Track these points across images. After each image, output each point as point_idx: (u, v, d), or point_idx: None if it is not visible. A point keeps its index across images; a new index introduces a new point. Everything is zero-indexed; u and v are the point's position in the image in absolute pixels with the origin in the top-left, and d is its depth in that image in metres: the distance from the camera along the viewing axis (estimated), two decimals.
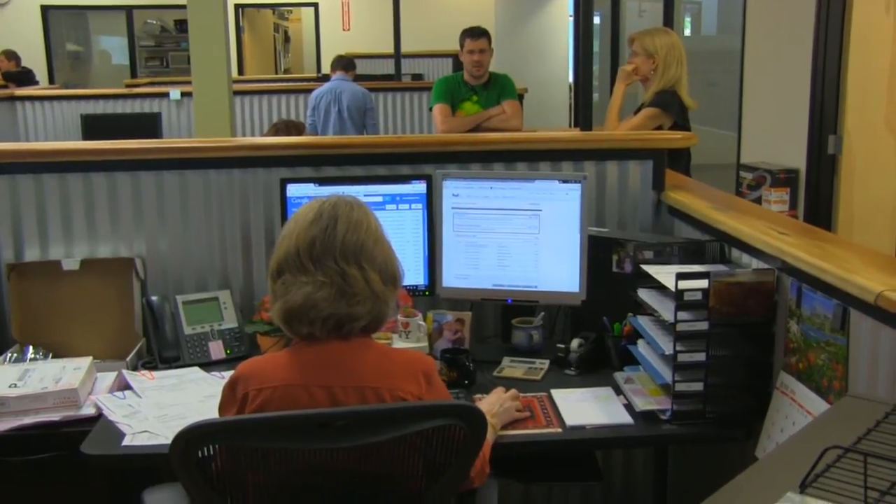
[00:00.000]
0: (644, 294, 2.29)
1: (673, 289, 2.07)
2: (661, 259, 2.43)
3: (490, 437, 1.97)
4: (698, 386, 2.11)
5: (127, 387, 2.35)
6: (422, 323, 2.53)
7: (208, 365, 2.55)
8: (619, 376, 2.39)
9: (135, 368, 2.52)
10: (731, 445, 2.25)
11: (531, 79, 8.54)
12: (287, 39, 16.52)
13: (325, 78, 7.80)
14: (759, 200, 4.18)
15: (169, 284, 2.75)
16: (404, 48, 9.37)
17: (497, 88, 4.99)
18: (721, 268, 2.29)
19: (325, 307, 1.70)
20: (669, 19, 6.45)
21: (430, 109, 5.14)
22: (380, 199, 2.67)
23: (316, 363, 1.73)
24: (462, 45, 4.99)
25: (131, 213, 2.73)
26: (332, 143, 3.37)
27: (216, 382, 2.37)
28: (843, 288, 1.80)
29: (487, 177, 2.68)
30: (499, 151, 2.86)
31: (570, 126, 8.98)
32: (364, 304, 1.73)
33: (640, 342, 2.34)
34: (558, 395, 2.31)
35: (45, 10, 12.69)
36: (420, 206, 2.70)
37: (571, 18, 9.64)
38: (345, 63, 7.20)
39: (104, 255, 2.72)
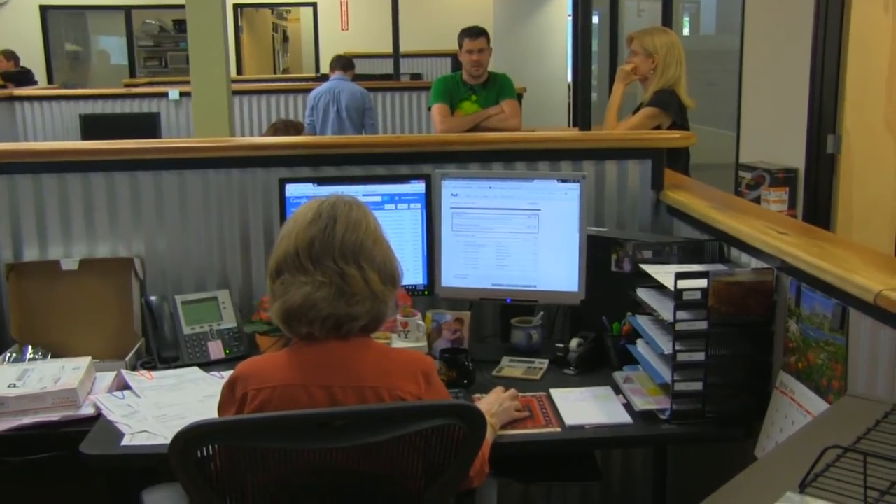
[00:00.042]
0: (643, 293, 2.29)
1: (672, 288, 2.07)
2: (660, 258, 2.43)
3: (489, 436, 1.97)
4: (697, 385, 2.11)
5: (126, 387, 2.35)
6: (421, 323, 2.53)
7: (207, 365, 2.55)
8: (618, 376, 2.39)
9: (134, 368, 2.52)
10: (730, 445, 2.25)
11: (530, 78, 8.54)
12: (286, 39, 16.52)
13: (324, 78, 7.79)
14: (757, 200, 4.18)
15: (168, 284, 2.75)
16: (403, 48, 9.37)
17: (496, 88, 4.99)
18: (720, 267, 2.29)
19: (325, 307, 1.70)
20: (668, 18, 6.45)
21: (429, 109, 5.14)
22: (379, 198, 2.67)
23: (315, 363, 1.73)
24: (461, 45, 4.98)
25: (130, 213, 2.72)
26: (330, 142, 3.37)
27: (215, 382, 2.37)
28: (842, 287, 1.80)
29: (486, 176, 2.68)
30: (498, 151, 2.86)
31: (568, 126, 8.97)
32: (363, 303, 1.73)
33: (640, 342, 2.34)
34: (557, 394, 2.31)
35: (43, 9, 12.68)
36: (419, 205, 2.70)
37: (570, 18, 9.65)
38: (343, 63, 7.19)
39: (103, 255, 2.72)
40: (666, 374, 2.15)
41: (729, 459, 2.33)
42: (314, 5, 13.50)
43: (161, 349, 2.58)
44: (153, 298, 2.66)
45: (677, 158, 3.43)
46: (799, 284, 1.99)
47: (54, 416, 2.18)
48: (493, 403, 2.14)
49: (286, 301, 1.72)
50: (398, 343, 2.49)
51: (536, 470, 2.50)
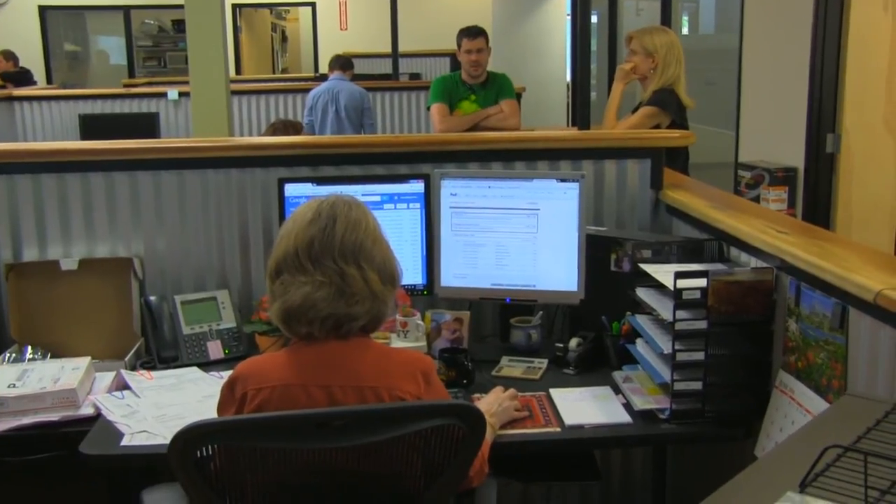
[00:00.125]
0: (642, 293, 2.29)
1: (671, 288, 2.07)
2: (660, 258, 2.43)
3: (489, 436, 1.97)
4: (697, 385, 2.10)
5: (125, 387, 2.35)
6: (420, 322, 2.53)
7: (207, 365, 2.55)
8: (617, 375, 2.39)
9: (133, 368, 2.52)
10: (730, 445, 2.25)
11: (529, 78, 8.54)
12: (284, 39, 16.51)
13: (323, 77, 7.79)
14: (757, 199, 4.18)
15: (167, 284, 2.75)
16: (402, 47, 9.36)
17: (495, 88, 4.99)
18: (720, 266, 2.28)
19: (324, 307, 1.70)
20: (667, 18, 6.44)
21: (428, 109, 5.13)
22: (378, 198, 2.67)
23: (315, 363, 1.73)
24: (459, 45, 4.98)
25: (129, 213, 2.72)
26: (329, 142, 3.37)
27: (215, 382, 2.37)
28: (842, 286, 1.79)
29: (485, 176, 2.68)
30: (497, 151, 2.86)
31: (567, 125, 8.97)
32: (363, 303, 1.73)
33: (639, 341, 2.34)
34: (557, 394, 2.31)
35: (42, 10, 12.68)
36: (418, 205, 2.69)
37: (569, 17, 9.65)
38: (342, 62, 7.19)
39: (102, 255, 2.72)
40: (665, 373, 2.15)
41: (729, 459, 2.33)
42: (313, 5, 13.50)
43: (160, 349, 2.57)
44: (152, 298, 2.66)
45: (676, 158, 3.44)
46: (798, 284, 1.98)
47: (54, 417, 2.18)
48: (492, 403, 2.14)
49: (286, 301, 1.72)
50: (397, 343, 2.49)
51: (536, 470, 2.50)
